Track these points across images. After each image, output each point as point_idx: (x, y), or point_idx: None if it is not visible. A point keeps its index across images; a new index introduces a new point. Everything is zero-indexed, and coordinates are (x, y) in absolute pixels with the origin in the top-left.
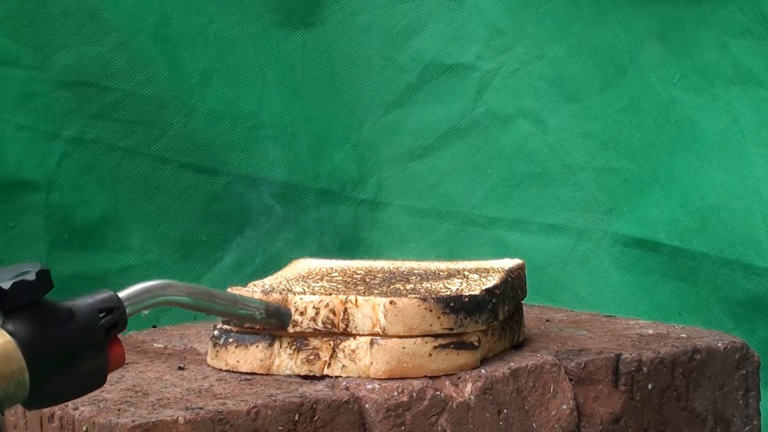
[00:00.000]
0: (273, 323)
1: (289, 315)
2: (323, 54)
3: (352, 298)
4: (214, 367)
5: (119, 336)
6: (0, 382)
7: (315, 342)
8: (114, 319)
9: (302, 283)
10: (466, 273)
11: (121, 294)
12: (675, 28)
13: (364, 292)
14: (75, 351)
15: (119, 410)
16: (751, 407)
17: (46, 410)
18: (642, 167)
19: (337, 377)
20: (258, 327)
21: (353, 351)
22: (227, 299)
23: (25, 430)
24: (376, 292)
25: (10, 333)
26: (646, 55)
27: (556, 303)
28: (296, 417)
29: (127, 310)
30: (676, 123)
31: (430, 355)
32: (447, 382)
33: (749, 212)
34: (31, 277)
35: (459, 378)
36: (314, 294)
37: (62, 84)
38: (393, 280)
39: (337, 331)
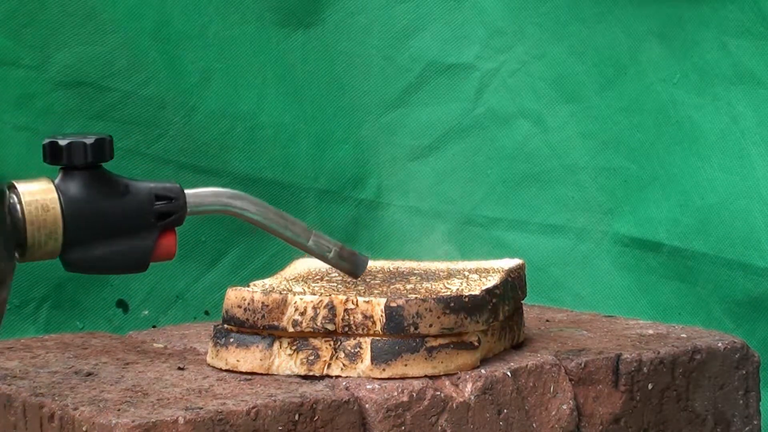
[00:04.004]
0: (344, 267)
1: (365, 263)
2: (323, 54)
3: (352, 298)
4: (214, 367)
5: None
6: (31, 227)
7: (315, 342)
8: (170, 208)
9: (302, 283)
10: (466, 273)
11: (188, 190)
12: (675, 28)
13: (363, 292)
14: (118, 225)
15: (119, 410)
16: (751, 407)
17: (45, 410)
18: (642, 167)
19: (337, 377)
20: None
21: (353, 351)
22: (299, 228)
23: (25, 430)
24: (376, 292)
25: (57, 188)
26: (646, 55)
27: (556, 303)
28: (296, 417)
29: (189, 207)
30: (676, 123)
31: (430, 354)
32: (447, 382)
33: (749, 212)
34: (90, 140)
35: (459, 378)
36: (314, 294)
37: (62, 84)
38: (393, 280)
39: (337, 331)
